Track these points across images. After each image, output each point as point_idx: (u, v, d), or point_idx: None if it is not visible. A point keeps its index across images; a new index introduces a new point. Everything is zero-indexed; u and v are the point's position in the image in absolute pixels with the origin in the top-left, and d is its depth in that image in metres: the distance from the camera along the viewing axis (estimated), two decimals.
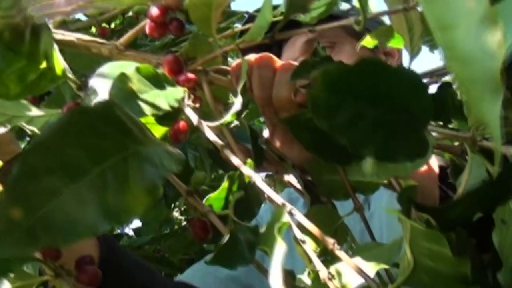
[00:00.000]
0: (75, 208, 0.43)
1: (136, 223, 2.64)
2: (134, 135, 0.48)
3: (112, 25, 1.05)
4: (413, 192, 0.48)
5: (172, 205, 2.48)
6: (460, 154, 0.66)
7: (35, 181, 0.43)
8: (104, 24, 0.93)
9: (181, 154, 0.52)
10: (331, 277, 0.58)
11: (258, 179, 0.55)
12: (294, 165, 0.72)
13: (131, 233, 2.54)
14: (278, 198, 0.54)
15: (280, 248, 0.38)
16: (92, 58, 0.73)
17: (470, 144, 0.55)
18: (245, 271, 1.08)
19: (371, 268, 0.56)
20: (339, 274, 0.58)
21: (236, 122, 0.77)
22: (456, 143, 0.72)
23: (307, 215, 0.73)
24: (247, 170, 0.55)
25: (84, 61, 0.83)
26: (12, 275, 0.57)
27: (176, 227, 2.48)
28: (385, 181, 0.70)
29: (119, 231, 2.46)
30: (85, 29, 0.96)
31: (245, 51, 0.67)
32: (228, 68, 0.70)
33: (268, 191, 0.54)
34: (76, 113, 0.46)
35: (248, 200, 0.57)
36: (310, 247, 0.60)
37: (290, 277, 0.54)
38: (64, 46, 0.69)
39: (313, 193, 0.71)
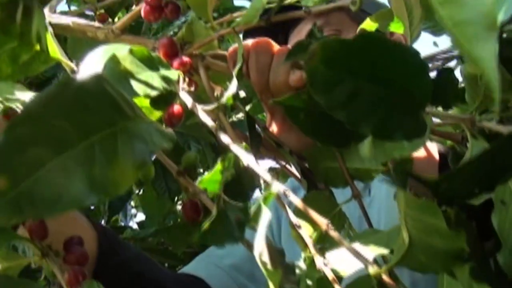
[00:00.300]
0: (60, 180, 0.42)
1: (140, 216, 2.64)
2: (123, 111, 0.48)
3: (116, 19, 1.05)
4: (408, 165, 0.47)
5: (176, 198, 2.48)
6: (460, 141, 0.65)
7: (21, 152, 0.42)
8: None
9: (172, 134, 0.51)
10: (327, 263, 0.57)
11: (252, 160, 0.54)
12: (292, 152, 0.72)
13: (135, 226, 2.54)
14: (271, 179, 0.53)
15: (265, 215, 0.37)
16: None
17: (469, 126, 0.54)
18: (248, 261, 1.07)
19: (369, 253, 0.54)
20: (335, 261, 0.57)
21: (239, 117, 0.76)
22: (457, 131, 0.71)
23: (304, 201, 0.72)
24: (241, 152, 0.54)
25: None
26: None
27: (179, 220, 2.47)
28: (383, 168, 0.70)
29: (122, 223, 2.47)
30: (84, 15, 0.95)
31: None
32: (225, 53, 0.69)
33: (262, 172, 0.53)
34: (64, 85, 0.45)
35: (241, 182, 0.56)
36: (305, 232, 0.59)
37: (280, 255, 0.52)
38: (60, 30, 0.69)
39: (311, 180, 0.70)
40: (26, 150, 0.42)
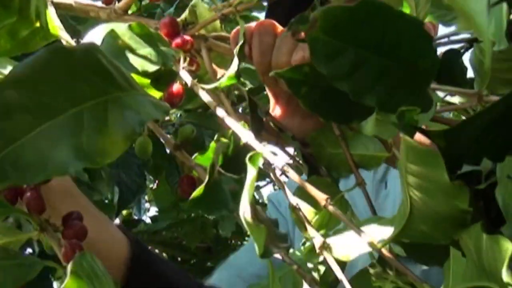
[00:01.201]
0: (46, 146, 0.41)
1: (153, 210, 2.64)
2: (116, 81, 0.47)
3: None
4: (415, 116, 0.45)
5: None
6: None
7: (8, 116, 0.41)
8: None
9: (167, 105, 0.50)
10: (327, 246, 0.55)
11: (251, 137, 0.53)
12: (294, 137, 0.70)
13: (148, 220, 2.54)
14: (272, 157, 0.51)
15: (250, 174, 0.35)
16: None
17: (476, 101, 0.52)
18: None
19: (370, 233, 0.53)
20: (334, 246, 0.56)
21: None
22: (463, 117, 0.69)
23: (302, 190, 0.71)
24: (239, 129, 0.53)
25: None
26: None
27: (192, 214, 2.46)
28: (388, 154, 0.68)
29: (136, 217, 2.47)
30: None
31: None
32: (229, 35, 0.68)
33: (260, 149, 0.52)
34: (54, 52, 0.44)
35: (240, 160, 0.55)
36: (306, 214, 0.57)
37: (270, 221, 0.51)
38: (62, 9, 0.68)
39: (313, 166, 0.69)
40: (12, 115, 0.41)
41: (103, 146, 0.43)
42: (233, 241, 2.95)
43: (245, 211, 0.34)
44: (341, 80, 0.47)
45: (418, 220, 0.43)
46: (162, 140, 0.55)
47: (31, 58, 0.43)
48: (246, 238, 3.08)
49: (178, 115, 1.70)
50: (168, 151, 1.80)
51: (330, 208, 0.50)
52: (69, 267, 0.45)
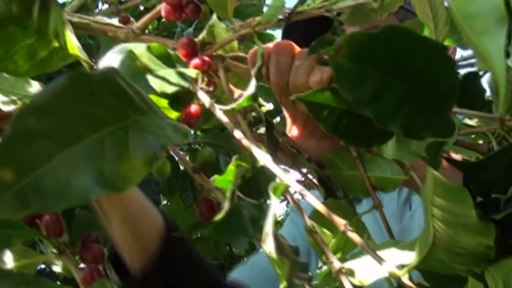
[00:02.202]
0: (67, 173, 0.41)
1: None
2: (136, 105, 0.47)
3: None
4: (442, 147, 0.45)
5: None
6: (486, 153, 0.63)
7: (28, 143, 0.41)
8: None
9: (187, 128, 0.49)
10: (345, 271, 0.55)
11: (269, 160, 0.52)
12: (310, 158, 0.70)
13: None
14: (288, 179, 0.51)
15: (273, 205, 0.35)
16: None
17: (499, 125, 0.52)
18: None
19: (389, 259, 0.52)
20: (352, 271, 0.55)
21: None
22: (481, 142, 0.69)
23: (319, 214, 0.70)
24: (257, 151, 0.53)
25: None
26: (13, 251, 0.56)
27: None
28: (406, 177, 0.68)
29: None
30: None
31: None
32: (246, 55, 0.68)
33: (279, 172, 0.51)
34: (75, 78, 0.44)
35: (257, 183, 0.55)
36: (322, 238, 0.57)
37: (291, 250, 0.50)
38: (80, 29, 0.68)
39: (329, 188, 0.68)
40: (33, 142, 0.41)
41: (124, 171, 0.43)
42: (245, 259, 2.95)
43: (269, 245, 0.34)
44: (365, 106, 0.47)
45: (440, 250, 0.43)
46: (180, 162, 0.55)
47: (52, 85, 0.43)
48: None
49: (192, 132, 1.70)
50: (182, 168, 1.82)
51: (349, 234, 0.50)
52: None
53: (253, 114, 0.75)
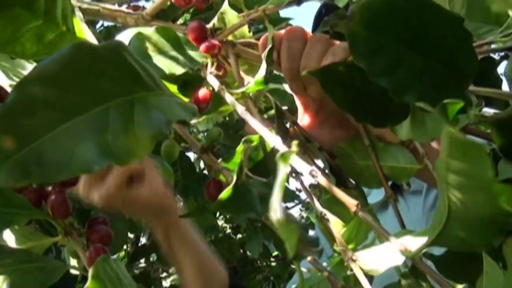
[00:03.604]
0: (70, 143, 0.40)
1: None
2: (142, 81, 0.46)
3: None
4: (456, 111, 0.43)
5: (217, 213, 2.46)
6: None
7: (31, 112, 0.40)
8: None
9: (195, 107, 0.48)
10: (356, 258, 0.53)
11: (279, 142, 0.51)
12: (321, 147, 0.68)
13: None
14: (302, 165, 0.50)
15: (281, 170, 0.34)
16: None
17: None
18: None
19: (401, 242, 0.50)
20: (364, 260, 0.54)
21: None
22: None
23: (332, 198, 0.69)
24: (267, 134, 0.52)
25: None
26: (20, 233, 0.55)
27: (220, 234, 2.45)
28: (419, 166, 0.66)
29: None
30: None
31: None
32: (256, 41, 0.67)
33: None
34: (79, 49, 0.43)
35: (267, 166, 0.53)
36: (334, 227, 0.55)
37: (300, 225, 0.49)
38: (89, 15, 0.68)
39: (340, 178, 0.67)
40: (36, 111, 0.40)
41: (129, 144, 0.42)
42: (258, 262, 2.93)
43: (276, 209, 0.33)
44: (380, 76, 0.45)
45: (456, 225, 0.41)
46: (188, 142, 0.54)
47: (57, 55, 0.42)
48: (272, 259, 3.05)
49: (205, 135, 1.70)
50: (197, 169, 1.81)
51: (360, 214, 0.48)
52: (90, 270, 0.43)
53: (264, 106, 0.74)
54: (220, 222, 2.74)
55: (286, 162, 0.33)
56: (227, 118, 1.86)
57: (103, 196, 0.81)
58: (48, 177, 0.39)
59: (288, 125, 0.69)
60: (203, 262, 0.97)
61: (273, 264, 3.05)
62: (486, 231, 0.40)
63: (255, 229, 2.65)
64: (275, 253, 2.96)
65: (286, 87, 0.71)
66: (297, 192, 2.80)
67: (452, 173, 0.36)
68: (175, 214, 0.91)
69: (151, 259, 2.46)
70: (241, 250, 2.58)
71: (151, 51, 0.55)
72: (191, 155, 2.01)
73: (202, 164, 2.19)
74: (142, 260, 2.50)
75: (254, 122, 0.53)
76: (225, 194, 0.43)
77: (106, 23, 1.52)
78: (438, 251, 0.56)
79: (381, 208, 0.94)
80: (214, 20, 0.68)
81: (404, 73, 0.45)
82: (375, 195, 0.79)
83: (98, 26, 1.56)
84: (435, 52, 0.45)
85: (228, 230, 2.80)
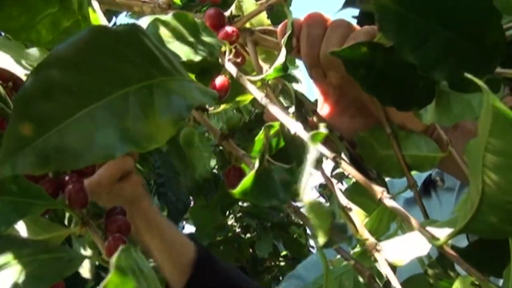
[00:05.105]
0: (90, 129, 0.39)
1: (190, 228, 2.62)
2: (162, 66, 0.44)
3: None
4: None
5: (227, 212, 2.46)
6: None
7: (50, 97, 0.39)
8: None
9: (214, 92, 0.47)
10: (380, 248, 0.52)
11: (300, 128, 0.50)
12: (342, 136, 0.67)
13: None
14: (323, 149, 0.48)
15: (312, 153, 0.32)
16: None
17: None
18: None
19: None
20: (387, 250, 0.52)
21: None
22: None
23: (353, 189, 0.67)
24: (288, 120, 0.50)
25: None
26: (37, 225, 0.54)
27: (230, 234, 2.44)
28: (443, 154, 0.64)
29: None
30: None
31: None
32: (275, 28, 0.66)
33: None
34: (98, 32, 0.42)
35: (287, 152, 0.52)
36: (357, 217, 0.54)
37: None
38: (106, 4, 0.66)
39: (361, 167, 0.65)
40: (54, 96, 0.39)
41: (149, 130, 0.41)
42: (268, 262, 2.92)
43: (306, 192, 0.31)
44: (409, 52, 0.44)
45: (489, 210, 0.39)
46: (208, 129, 0.52)
47: (75, 38, 0.41)
48: (281, 259, 3.04)
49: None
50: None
51: (386, 201, 0.47)
52: (112, 260, 0.42)
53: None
54: (230, 222, 2.73)
55: (317, 142, 0.32)
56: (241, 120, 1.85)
57: (93, 182, 0.89)
58: (68, 164, 0.38)
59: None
60: (169, 239, 1.06)
61: (282, 263, 3.04)
62: None
63: (264, 229, 2.64)
64: (284, 252, 2.96)
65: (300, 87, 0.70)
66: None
67: (491, 153, 0.35)
68: (144, 200, 1.03)
69: None
70: (251, 250, 2.57)
71: (169, 37, 0.54)
72: None
73: (212, 163, 2.17)
74: None
75: (274, 109, 0.52)
76: (247, 180, 0.42)
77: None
78: (461, 244, 0.55)
79: (410, 204, 0.93)
80: (232, 8, 0.66)
81: (433, 49, 0.44)
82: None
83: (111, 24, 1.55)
84: (464, 28, 0.43)
85: (238, 230, 2.80)
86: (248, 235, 2.81)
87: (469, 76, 0.30)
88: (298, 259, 2.63)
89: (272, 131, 0.49)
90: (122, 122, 0.40)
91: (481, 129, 0.34)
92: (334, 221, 0.47)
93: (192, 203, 2.35)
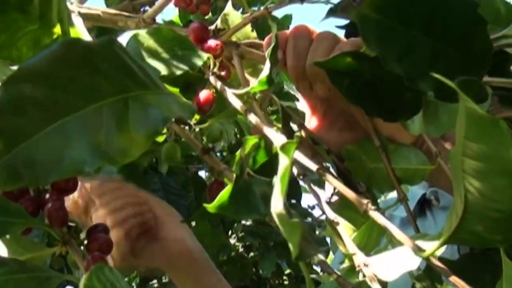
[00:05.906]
0: (60, 144, 0.38)
1: None
2: (138, 78, 0.44)
3: None
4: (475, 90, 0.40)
5: (230, 232, 2.44)
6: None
7: (20, 111, 0.38)
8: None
9: (193, 105, 0.46)
10: (368, 263, 0.51)
11: (284, 141, 0.49)
12: (329, 150, 0.66)
13: None
14: (307, 162, 0.48)
15: (282, 162, 0.31)
16: None
17: None
18: None
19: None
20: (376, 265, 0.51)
21: None
22: None
23: (340, 204, 0.66)
24: (272, 133, 0.49)
25: None
26: (19, 245, 0.53)
27: (233, 253, 2.42)
28: (433, 167, 0.63)
29: None
30: None
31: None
32: (261, 41, 0.65)
33: (296, 155, 0.48)
34: (69, 45, 0.41)
35: (272, 167, 0.51)
36: (344, 231, 0.53)
37: (297, 214, 0.46)
38: (90, 20, 0.66)
39: (349, 181, 0.64)
40: (25, 110, 0.38)
41: (123, 144, 0.40)
42: (271, 281, 2.90)
43: (276, 203, 0.30)
44: (393, 62, 0.43)
45: (474, 219, 0.38)
46: (189, 143, 0.52)
47: (46, 51, 0.40)
48: (285, 278, 3.02)
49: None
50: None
51: (371, 212, 0.45)
52: (83, 279, 0.41)
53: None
54: (233, 241, 2.72)
55: (289, 154, 0.31)
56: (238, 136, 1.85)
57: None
58: (38, 179, 0.37)
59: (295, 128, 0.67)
60: None
61: (286, 282, 3.02)
62: (506, 224, 0.37)
63: (267, 248, 2.62)
64: (288, 271, 2.94)
65: (298, 104, 0.69)
66: (309, 210, 2.77)
67: (468, 158, 0.34)
68: (196, 263, 0.89)
69: (163, 280, 2.43)
70: (254, 269, 2.55)
71: (148, 52, 0.53)
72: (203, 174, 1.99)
73: None
74: (155, 281, 2.47)
75: (258, 121, 0.51)
76: (224, 194, 0.40)
77: None
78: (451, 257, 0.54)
79: (405, 224, 0.92)
80: (218, 22, 0.66)
81: (417, 59, 0.43)
82: (402, 210, 0.76)
83: None
84: (449, 37, 0.43)
85: (241, 249, 2.78)
86: (251, 254, 2.79)
87: (438, 76, 0.29)
88: (302, 277, 2.61)
89: (250, 144, 0.48)
90: (94, 136, 0.39)
91: (458, 134, 0.33)
92: (311, 233, 0.46)
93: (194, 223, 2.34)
